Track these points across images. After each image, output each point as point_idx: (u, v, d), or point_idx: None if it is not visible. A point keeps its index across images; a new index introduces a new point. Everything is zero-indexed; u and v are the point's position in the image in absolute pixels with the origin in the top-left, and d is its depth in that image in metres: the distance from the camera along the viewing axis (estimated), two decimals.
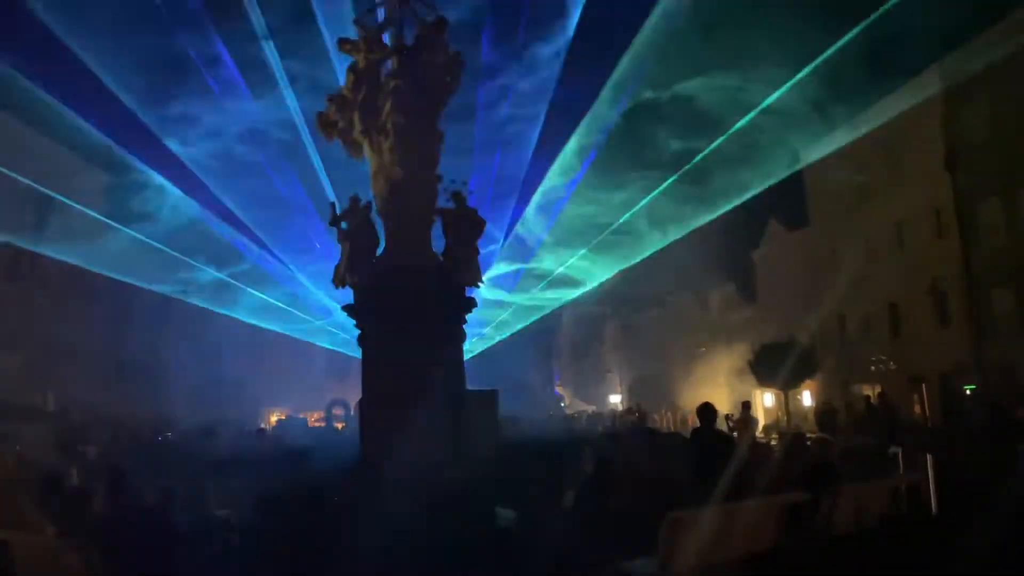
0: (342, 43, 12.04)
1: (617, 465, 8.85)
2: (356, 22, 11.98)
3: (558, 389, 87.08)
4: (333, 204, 11.66)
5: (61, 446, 18.55)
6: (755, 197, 36.44)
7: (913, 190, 30.86)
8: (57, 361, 33.16)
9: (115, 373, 39.50)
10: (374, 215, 11.67)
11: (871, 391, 31.75)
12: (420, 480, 9.15)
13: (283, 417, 47.33)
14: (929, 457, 8.93)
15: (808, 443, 9.82)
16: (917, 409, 29.68)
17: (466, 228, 11.64)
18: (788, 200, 42.57)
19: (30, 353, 31.16)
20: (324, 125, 12.09)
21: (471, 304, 11.82)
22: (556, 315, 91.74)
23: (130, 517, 6.54)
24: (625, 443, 10.84)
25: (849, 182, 35.55)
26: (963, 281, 29.03)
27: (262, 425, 41.04)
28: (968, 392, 27.74)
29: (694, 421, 10.44)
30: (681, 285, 53.32)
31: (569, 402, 74.99)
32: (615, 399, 63.45)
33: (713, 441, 9.12)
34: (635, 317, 66.81)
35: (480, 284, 11.94)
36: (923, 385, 30.35)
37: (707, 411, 9.29)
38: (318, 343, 55.23)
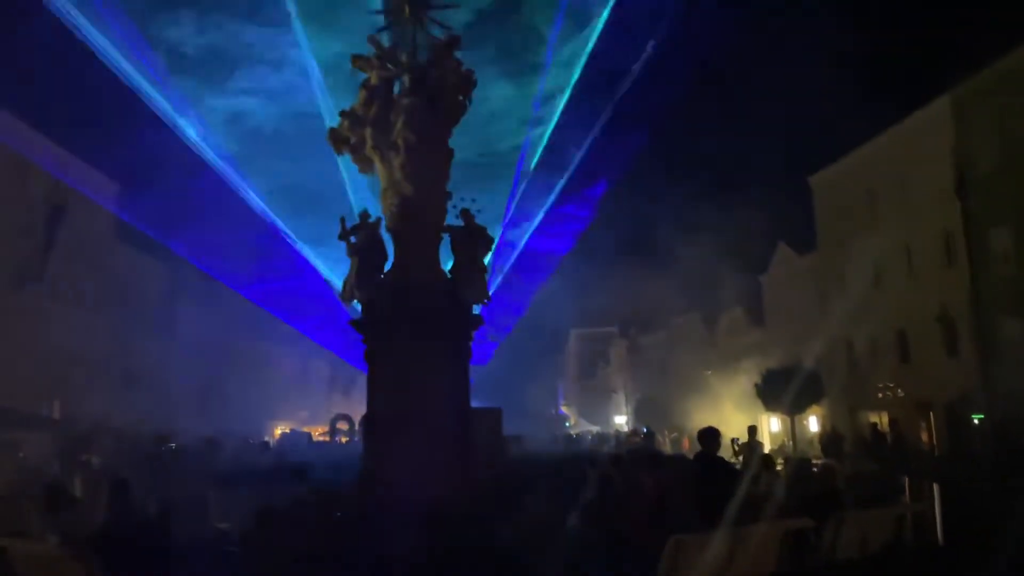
0: (355, 60, 12.13)
1: (620, 488, 8.83)
2: (370, 39, 12.08)
3: (563, 409, 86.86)
4: (343, 219, 11.70)
5: (65, 455, 18.59)
6: (764, 221, 36.38)
7: (922, 215, 30.82)
8: (64, 369, 33.25)
9: (121, 382, 39.58)
10: (383, 231, 11.70)
11: (878, 418, 31.60)
12: (422, 497, 9.13)
13: (287, 431, 47.35)
14: (936, 486, 8.87)
15: (814, 469, 9.77)
16: (924, 437, 29.47)
17: (474, 246, 11.66)
18: (797, 224, 42.66)
19: (38, 360, 31.25)
20: (336, 140, 12.16)
21: (478, 322, 11.83)
22: (563, 335, 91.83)
23: (132, 528, 6.54)
24: (629, 466, 10.79)
25: (858, 206, 35.56)
26: (972, 308, 28.89)
27: (266, 438, 41.06)
28: (976, 421, 27.53)
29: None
30: (689, 307, 53.32)
31: (574, 422, 74.76)
32: (620, 420, 63.25)
33: (715, 466, 9.07)
34: (642, 338, 66.73)
35: (487, 302, 11.95)
36: (931, 413, 30.14)
37: (709, 435, 9.24)
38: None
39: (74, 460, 17.14)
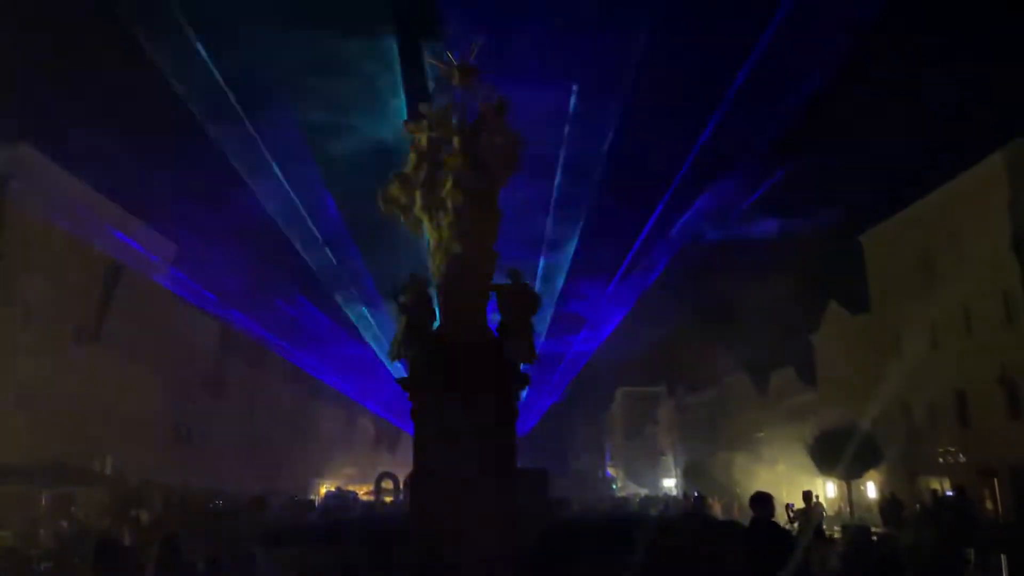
0: (407, 123, 12.45)
1: (671, 555, 8.60)
2: (422, 103, 12.40)
3: (610, 470, 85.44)
4: (392, 278, 11.87)
5: (116, 510, 18.81)
6: (815, 279, 35.80)
7: (979, 273, 30.05)
8: (116, 425, 33.83)
9: (172, 439, 40.15)
10: (431, 290, 11.81)
11: (939, 484, 30.41)
12: (469, 560, 9.00)
13: (332, 489, 47.45)
14: (1004, 557, 8.48)
15: (873, 538, 9.42)
16: (989, 505, 28.25)
17: (521, 305, 11.68)
18: (848, 282, 41.98)
19: (90, 417, 31.88)
20: (386, 201, 12.38)
21: (524, 381, 11.77)
22: (609, 394, 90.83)
23: None
24: (679, 531, 10.52)
25: (911, 265, 34.88)
26: None
27: (311, 496, 41.11)
28: None
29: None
30: (738, 365, 52.45)
31: (621, 484, 73.45)
32: (669, 483, 61.95)
33: (769, 534, 8.77)
34: (691, 397, 65.65)
35: (534, 361, 11.91)
36: (994, 479, 28.94)
37: (762, 501, 8.95)
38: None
39: (124, 516, 17.33)
